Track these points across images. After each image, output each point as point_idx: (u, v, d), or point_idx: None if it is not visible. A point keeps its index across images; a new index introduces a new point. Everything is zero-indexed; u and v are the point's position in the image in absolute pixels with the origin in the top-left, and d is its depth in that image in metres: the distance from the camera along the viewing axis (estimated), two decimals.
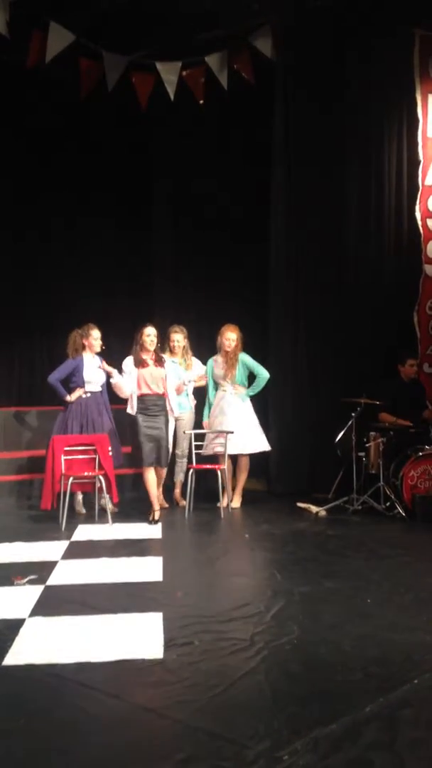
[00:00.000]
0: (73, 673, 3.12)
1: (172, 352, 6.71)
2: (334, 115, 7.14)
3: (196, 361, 6.86)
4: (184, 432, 6.71)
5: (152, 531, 5.81)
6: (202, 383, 6.85)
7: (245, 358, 6.73)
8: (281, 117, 7.15)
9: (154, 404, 6.03)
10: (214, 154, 7.79)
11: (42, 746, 2.58)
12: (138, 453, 6.05)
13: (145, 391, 6.04)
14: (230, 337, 6.68)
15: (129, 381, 6.07)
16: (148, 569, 4.68)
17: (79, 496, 6.44)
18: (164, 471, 6.21)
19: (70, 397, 6.43)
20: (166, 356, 6.46)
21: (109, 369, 6.23)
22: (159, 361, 6.10)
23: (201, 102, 7.08)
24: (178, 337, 6.72)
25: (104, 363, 6.38)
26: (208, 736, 2.61)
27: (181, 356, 6.74)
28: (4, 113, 7.87)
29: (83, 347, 6.51)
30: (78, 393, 6.42)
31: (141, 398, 6.03)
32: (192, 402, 6.81)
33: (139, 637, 3.50)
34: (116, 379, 6.10)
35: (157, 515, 6.03)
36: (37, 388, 7.90)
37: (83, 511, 6.41)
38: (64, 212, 8.23)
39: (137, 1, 6.29)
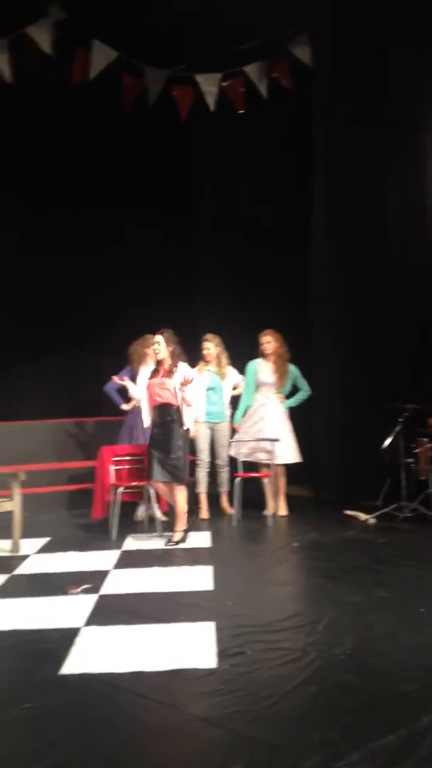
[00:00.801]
0: (129, 682, 3.17)
1: (205, 360, 6.76)
2: (374, 124, 7.09)
3: (231, 370, 6.88)
4: (229, 441, 6.73)
5: (202, 540, 5.84)
6: (238, 391, 6.87)
7: (294, 369, 6.76)
8: (320, 126, 7.15)
9: (164, 415, 5.73)
10: (254, 163, 7.82)
11: (98, 755, 2.62)
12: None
13: (158, 401, 5.81)
14: (265, 340, 6.72)
15: (140, 392, 5.99)
16: (199, 578, 4.71)
17: (141, 506, 6.47)
18: (175, 485, 5.76)
19: (126, 406, 6.56)
20: (200, 365, 6.54)
21: (121, 382, 6.19)
22: (170, 372, 5.75)
23: (240, 112, 7.13)
24: (209, 345, 6.76)
25: (117, 378, 6.30)
26: (263, 746, 2.62)
27: (215, 364, 6.78)
28: (50, 130, 8.05)
29: (144, 357, 6.64)
30: (134, 402, 6.55)
31: (152, 410, 5.85)
32: (228, 411, 6.83)
33: (193, 646, 3.53)
34: (132, 391, 6.08)
35: (180, 537, 5.67)
36: (88, 399, 8.03)
37: (139, 519, 6.46)
38: (109, 224, 8.35)
39: (177, 15, 6.37)
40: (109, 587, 4.57)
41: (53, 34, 6.34)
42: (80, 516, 6.66)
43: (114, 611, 4.10)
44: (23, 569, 5.09)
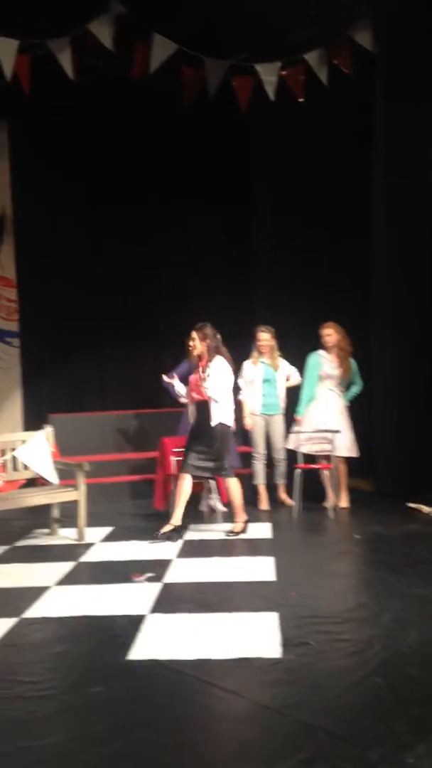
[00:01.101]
0: (194, 669, 3.22)
1: (260, 351, 6.75)
2: None
3: (282, 361, 6.85)
4: (285, 433, 6.72)
5: (262, 531, 5.85)
6: (294, 383, 6.83)
7: (353, 364, 6.71)
8: (380, 113, 7.01)
9: (203, 412, 5.66)
10: (313, 152, 7.74)
11: (164, 739, 2.68)
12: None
13: (195, 397, 5.79)
14: (326, 332, 6.68)
15: (182, 388, 5.95)
16: (261, 569, 4.74)
17: (211, 496, 6.51)
18: (225, 479, 5.81)
19: (184, 398, 6.62)
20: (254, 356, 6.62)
21: (170, 381, 6.14)
22: (205, 368, 5.68)
23: (301, 100, 7.06)
24: (266, 336, 6.75)
25: (167, 377, 6.26)
26: (329, 736, 2.63)
27: (269, 356, 6.76)
28: (111, 124, 8.16)
29: None
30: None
31: (192, 405, 5.81)
32: (283, 403, 6.81)
33: (256, 636, 3.56)
34: (178, 389, 6.03)
35: (166, 528, 5.56)
36: (148, 390, 8.13)
37: (205, 509, 6.52)
38: (168, 216, 8.41)
39: (237, 4, 6.34)
40: (172, 576, 4.64)
41: (114, 30, 6.40)
42: (142, 506, 6.76)
43: (178, 599, 4.17)
44: (89, 557, 5.21)
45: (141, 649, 3.46)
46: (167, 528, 5.57)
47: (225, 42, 6.70)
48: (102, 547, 5.49)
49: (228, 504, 6.37)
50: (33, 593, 4.35)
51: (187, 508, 5.72)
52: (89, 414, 8.09)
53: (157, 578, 4.57)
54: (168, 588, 4.40)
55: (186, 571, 4.76)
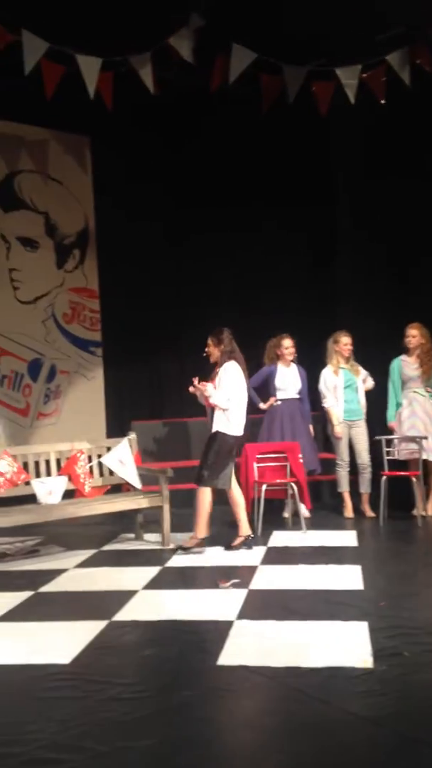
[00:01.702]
0: (284, 677, 3.19)
1: (342, 357, 6.66)
2: None
3: (359, 366, 6.77)
4: (368, 440, 6.60)
5: (348, 539, 5.77)
6: (369, 386, 6.72)
7: None
8: None
9: (212, 417, 5.63)
10: (397, 155, 7.61)
11: (254, 746, 2.66)
12: None
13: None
14: (411, 333, 6.55)
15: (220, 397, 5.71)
16: (348, 577, 4.67)
17: (286, 503, 6.47)
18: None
19: (263, 405, 6.65)
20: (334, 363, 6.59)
21: (197, 388, 5.91)
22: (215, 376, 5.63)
23: (382, 102, 6.95)
24: (347, 341, 6.66)
25: (197, 382, 5.95)
26: (429, 749, 2.55)
27: (347, 362, 6.67)
28: (189, 135, 8.26)
29: (277, 356, 6.73)
30: (271, 401, 6.64)
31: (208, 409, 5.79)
32: (365, 408, 6.68)
33: (347, 645, 3.50)
34: (210, 395, 5.74)
35: (191, 543, 5.43)
36: None
37: (285, 516, 6.48)
38: (250, 222, 8.42)
39: (314, 10, 6.32)
40: (258, 582, 4.62)
41: (193, 42, 6.48)
42: (224, 512, 6.76)
43: (264, 606, 4.15)
44: (174, 562, 5.26)
45: (230, 655, 3.46)
46: (192, 542, 5.46)
47: (303, 48, 6.68)
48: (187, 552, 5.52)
49: (312, 510, 6.33)
50: (122, 597, 4.42)
51: (270, 514, 5.67)
52: (170, 420, 8.18)
53: (243, 584, 4.57)
54: (254, 594, 4.39)
55: (271, 578, 4.74)
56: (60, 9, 6.30)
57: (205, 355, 5.71)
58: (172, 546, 5.64)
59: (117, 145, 8.27)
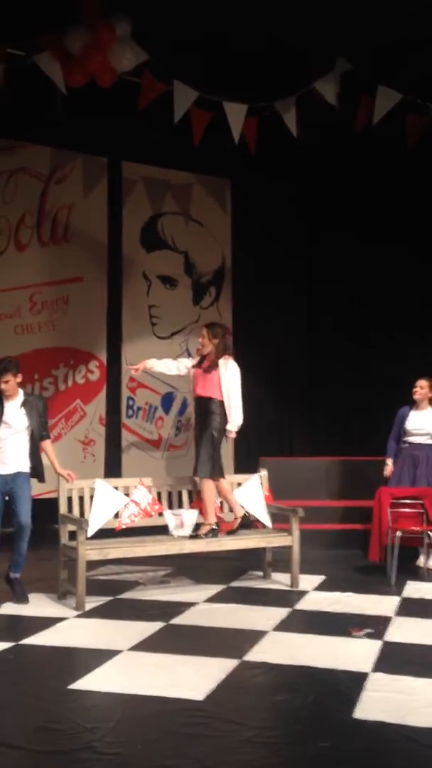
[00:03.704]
0: (428, 738, 3.03)
1: None
2: None
3: None
4: None
5: None
6: None
7: None
8: None
9: (203, 407, 5.77)
10: None
11: None
12: None
13: (198, 392, 5.87)
14: None
15: None
16: None
17: (422, 552, 6.22)
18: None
19: (388, 467, 6.48)
20: None
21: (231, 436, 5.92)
22: (213, 365, 5.76)
23: None
24: None
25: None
26: None
27: None
28: (331, 175, 8.30)
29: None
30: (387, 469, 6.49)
31: (195, 400, 5.96)
32: None
33: None
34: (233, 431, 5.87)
35: (205, 530, 5.57)
36: (359, 436, 8.01)
37: (420, 565, 6.22)
38: (394, 262, 8.30)
39: None
40: (393, 634, 4.45)
41: (338, 85, 6.57)
42: (355, 556, 6.59)
43: (401, 660, 3.98)
44: (303, 605, 5.17)
45: (367, 709, 3.34)
46: (205, 529, 5.56)
47: None
48: (316, 595, 5.42)
49: None
50: (251, 636, 4.39)
51: (402, 561, 5.48)
52: (299, 459, 8.12)
53: (377, 635, 4.41)
54: (390, 647, 4.22)
55: (408, 630, 4.54)
56: (209, 58, 6.60)
57: (200, 346, 5.87)
58: (300, 588, 5.56)
59: (257, 186, 8.47)
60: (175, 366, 5.95)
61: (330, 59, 6.48)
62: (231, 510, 5.87)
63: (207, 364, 5.72)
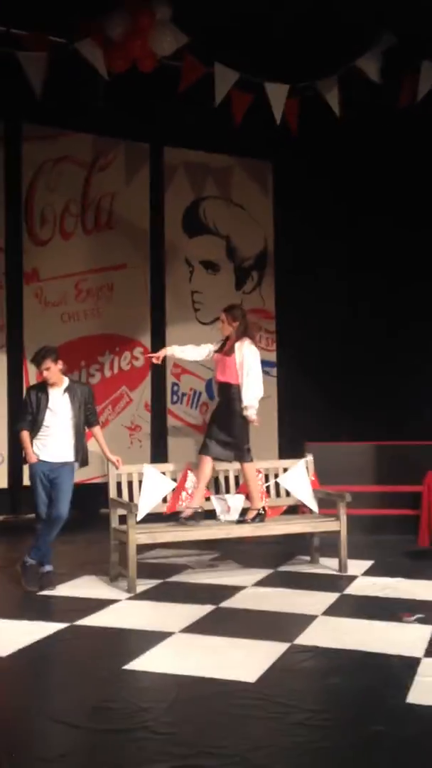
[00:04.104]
0: None
1: None
2: None
3: None
4: None
5: None
6: None
7: None
8: None
9: (225, 393, 5.68)
10: None
11: None
12: None
13: (219, 378, 5.75)
14: None
15: None
16: None
17: None
18: (243, 465, 5.65)
19: None
20: None
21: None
22: (231, 349, 5.63)
23: None
24: None
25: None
26: None
27: None
28: (375, 154, 8.16)
29: None
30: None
31: (216, 385, 5.88)
32: None
33: None
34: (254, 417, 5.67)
35: (187, 513, 5.41)
36: (408, 421, 7.88)
37: None
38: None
39: None
40: None
41: (381, 62, 6.44)
42: (404, 542, 6.52)
43: None
44: (352, 590, 5.15)
45: (421, 694, 3.32)
46: (188, 512, 5.42)
47: None
48: (364, 580, 5.39)
49: None
50: (300, 620, 4.40)
51: None
52: (346, 444, 8.05)
53: (428, 620, 4.36)
54: None
55: None
56: (250, 39, 6.53)
57: (220, 329, 5.75)
58: (349, 573, 5.54)
59: (299, 168, 8.37)
60: (197, 352, 5.81)
61: (373, 34, 6.34)
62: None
63: (227, 348, 5.62)
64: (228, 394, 5.57)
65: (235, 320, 5.59)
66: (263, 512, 5.60)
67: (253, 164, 8.59)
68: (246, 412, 5.52)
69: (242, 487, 5.84)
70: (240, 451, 5.59)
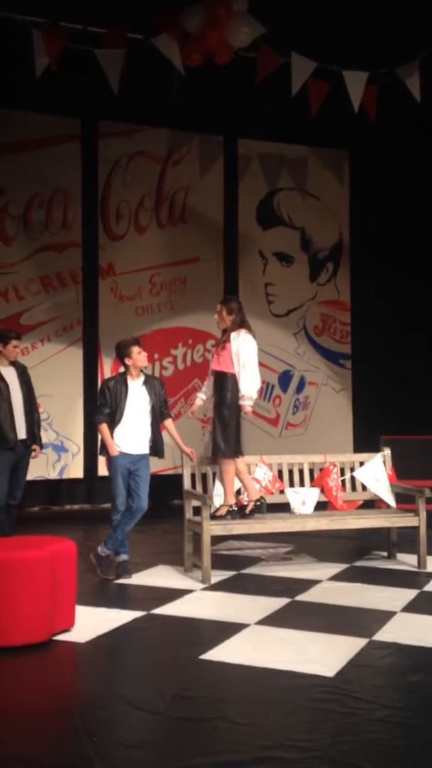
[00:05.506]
0: None
1: None
2: None
3: None
4: None
5: None
6: None
7: None
8: None
9: (218, 383, 5.45)
10: None
11: None
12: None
13: (214, 368, 5.53)
14: None
15: None
16: None
17: None
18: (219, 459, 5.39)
19: None
20: None
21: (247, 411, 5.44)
22: (228, 340, 5.43)
23: None
24: None
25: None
26: None
27: None
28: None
29: None
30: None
31: (211, 375, 5.59)
32: None
33: None
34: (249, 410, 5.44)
35: (222, 511, 5.24)
36: None
37: None
38: None
39: None
40: None
41: None
42: None
43: None
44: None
45: None
46: (223, 510, 5.26)
47: None
48: None
49: None
50: (379, 616, 4.31)
51: None
52: (423, 437, 7.87)
53: None
54: None
55: None
56: (327, 27, 6.42)
57: (216, 321, 5.56)
58: (428, 569, 5.41)
59: (376, 156, 8.21)
60: (207, 386, 5.67)
61: None
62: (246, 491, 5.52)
63: (224, 339, 5.44)
64: (221, 384, 5.37)
65: (231, 313, 5.44)
66: (234, 509, 5.32)
67: (328, 154, 8.48)
68: (242, 402, 5.33)
69: (317, 480, 5.77)
70: (216, 443, 5.35)
